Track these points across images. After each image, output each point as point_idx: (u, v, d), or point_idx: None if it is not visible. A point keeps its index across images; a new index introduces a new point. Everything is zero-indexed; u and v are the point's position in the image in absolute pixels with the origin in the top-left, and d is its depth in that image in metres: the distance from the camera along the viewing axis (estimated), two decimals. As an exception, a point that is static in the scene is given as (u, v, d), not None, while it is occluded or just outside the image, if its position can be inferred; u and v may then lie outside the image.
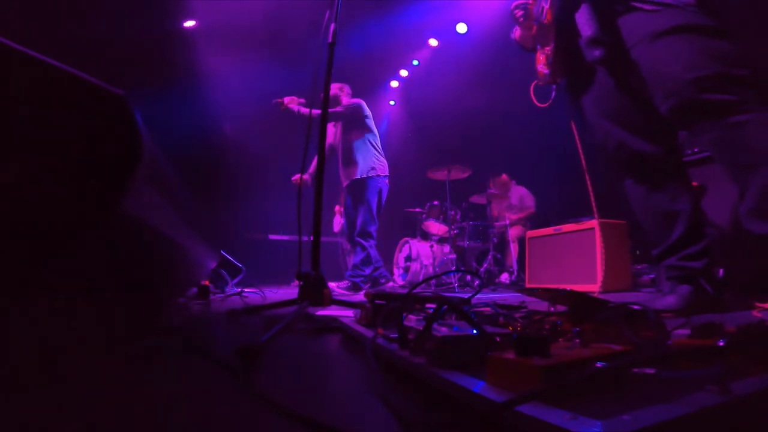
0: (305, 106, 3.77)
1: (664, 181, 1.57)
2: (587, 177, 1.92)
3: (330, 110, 3.71)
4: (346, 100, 3.97)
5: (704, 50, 1.35)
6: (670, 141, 1.59)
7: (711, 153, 1.47)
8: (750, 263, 1.77)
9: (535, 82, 1.86)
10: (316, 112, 3.28)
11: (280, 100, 3.70)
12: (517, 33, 1.91)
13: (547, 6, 1.71)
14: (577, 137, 1.89)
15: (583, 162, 1.93)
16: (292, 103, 3.72)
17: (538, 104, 1.87)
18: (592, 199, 1.97)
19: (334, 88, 3.95)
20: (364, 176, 3.80)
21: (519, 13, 1.82)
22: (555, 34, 1.71)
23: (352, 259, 3.81)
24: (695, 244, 1.51)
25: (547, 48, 1.76)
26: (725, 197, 2.33)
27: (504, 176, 5.56)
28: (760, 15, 2.27)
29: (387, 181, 3.91)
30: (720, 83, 1.31)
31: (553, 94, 1.83)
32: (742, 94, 1.30)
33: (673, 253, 1.55)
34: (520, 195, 5.37)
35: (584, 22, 1.62)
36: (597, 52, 1.59)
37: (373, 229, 3.78)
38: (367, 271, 3.72)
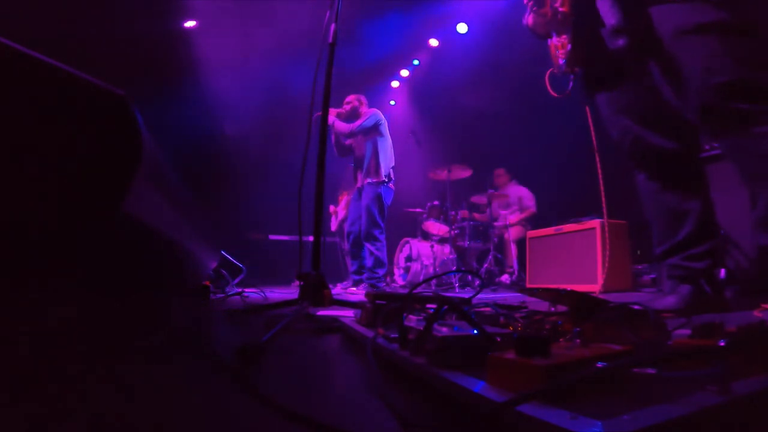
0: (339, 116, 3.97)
1: (678, 178, 1.53)
2: (600, 176, 1.87)
3: (354, 128, 3.94)
4: (364, 110, 4.08)
5: (729, 52, 1.29)
6: (690, 138, 1.54)
7: (728, 156, 1.43)
8: (756, 268, 1.75)
9: (550, 70, 1.77)
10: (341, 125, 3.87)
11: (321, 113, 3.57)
12: (530, 19, 1.80)
13: None
14: (592, 131, 1.83)
15: (598, 161, 1.88)
16: (331, 115, 3.75)
17: (554, 94, 1.77)
18: (603, 199, 1.93)
19: (352, 99, 4.13)
20: (366, 183, 3.96)
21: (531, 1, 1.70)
22: (572, 21, 1.63)
23: (366, 263, 3.95)
24: (701, 244, 1.49)
25: (564, 36, 1.67)
26: (727, 197, 2.33)
27: (502, 171, 5.54)
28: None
29: (390, 185, 3.99)
30: (744, 91, 1.26)
31: (571, 84, 1.73)
32: (766, 103, 1.24)
33: (677, 252, 1.53)
34: (520, 195, 5.33)
35: (607, 10, 1.54)
36: (621, 41, 1.52)
37: (377, 232, 3.91)
38: (381, 272, 3.90)
